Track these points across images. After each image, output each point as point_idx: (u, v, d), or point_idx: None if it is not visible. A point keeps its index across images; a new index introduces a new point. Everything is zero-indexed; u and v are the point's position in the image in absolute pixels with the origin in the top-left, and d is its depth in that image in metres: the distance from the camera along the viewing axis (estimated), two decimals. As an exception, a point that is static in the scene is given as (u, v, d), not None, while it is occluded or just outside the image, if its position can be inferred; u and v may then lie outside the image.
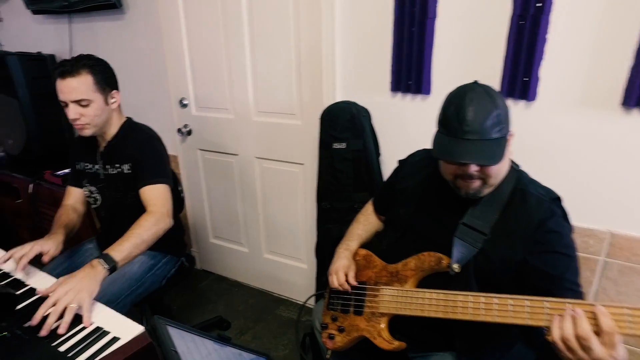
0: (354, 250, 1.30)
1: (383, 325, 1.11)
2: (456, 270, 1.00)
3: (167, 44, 2.20)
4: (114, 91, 1.46)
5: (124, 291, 1.39)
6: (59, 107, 1.39)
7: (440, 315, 0.98)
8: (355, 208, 1.47)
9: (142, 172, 1.44)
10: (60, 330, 0.98)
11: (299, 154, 2.00)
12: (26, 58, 2.64)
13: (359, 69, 1.72)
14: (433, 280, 1.06)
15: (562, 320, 0.79)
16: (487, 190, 1.01)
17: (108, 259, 1.19)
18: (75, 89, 1.34)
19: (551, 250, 0.96)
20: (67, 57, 2.64)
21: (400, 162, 1.31)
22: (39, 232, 2.49)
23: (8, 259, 1.23)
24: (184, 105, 2.27)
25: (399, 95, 1.66)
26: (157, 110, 2.40)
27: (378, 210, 1.38)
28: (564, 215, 1.01)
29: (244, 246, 2.43)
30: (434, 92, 1.59)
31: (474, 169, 0.96)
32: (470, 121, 0.91)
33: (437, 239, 1.07)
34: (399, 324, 1.11)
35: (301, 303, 2.29)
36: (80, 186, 1.60)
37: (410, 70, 1.58)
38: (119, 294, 1.37)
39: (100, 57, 1.45)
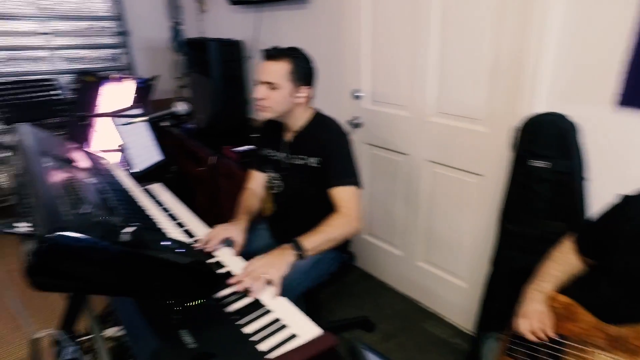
0: (548, 294, 1.10)
1: (593, 399, 0.91)
2: None
3: (347, 34, 2.19)
4: (305, 87, 1.47)
5: (293, 282, 1.42)
6: (242, 90, 1.47)
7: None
8: (550, 239, 1.25)
9: (333, 170, 1.44)
10: (252, 295, 1.09)
11: (478, 163, 1.80)
12: (221, 43, 2.97)
13: (572, 76, 1.44)
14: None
15: None
16: None
17: (299, 246, 1.28)
18: (270, 71, 1.42)
19: None
20: (254, 43, 2.90)
21: (629, 198, 1.06)
22: (214, 199, 2.80)
23: (207, 242, 1.36)
24: (357, 97, 2.25)
25: (629, 110, 1.34)
26: (328, 100, 2.42)
27: (584, 251, 1.15)
28: None
29: (397, 249, 2.35)
30: (681, 111, 1.25)
31: None
32: None
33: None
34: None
35: (453, 323, 2.12)
36: (264, 171, 1.69)
37: (652, 81, 1.27)
38: (289, 284, 1.40)
39: (282, 45, 1.48)
